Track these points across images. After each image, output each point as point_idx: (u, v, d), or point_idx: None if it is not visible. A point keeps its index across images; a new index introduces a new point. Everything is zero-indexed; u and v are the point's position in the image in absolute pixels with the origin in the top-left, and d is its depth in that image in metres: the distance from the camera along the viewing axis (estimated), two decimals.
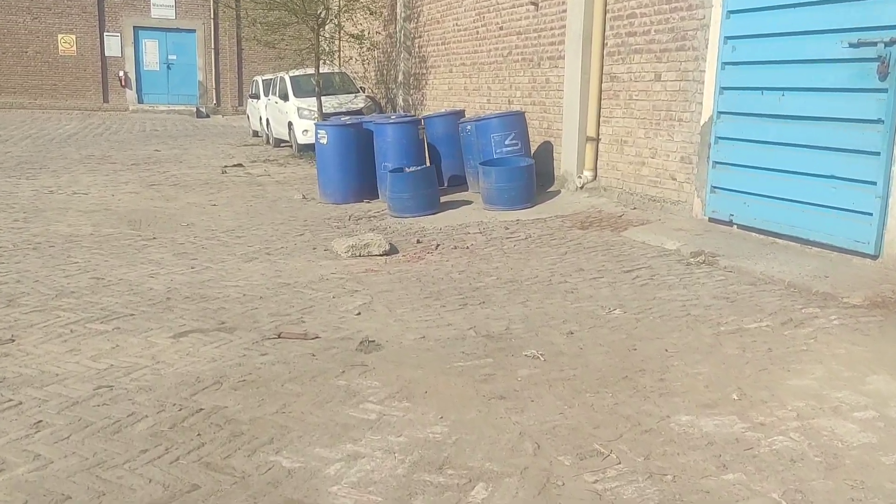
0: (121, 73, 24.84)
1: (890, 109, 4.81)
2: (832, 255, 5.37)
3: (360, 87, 15.82)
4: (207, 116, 24.61)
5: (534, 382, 3.68)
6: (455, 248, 6.62)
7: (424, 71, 13.44)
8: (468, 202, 8.74)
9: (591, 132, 8.30)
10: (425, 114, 11.49)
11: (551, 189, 8.93)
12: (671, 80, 7.07)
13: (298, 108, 14.17)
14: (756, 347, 3.96)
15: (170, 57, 25.50)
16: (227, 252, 6.65)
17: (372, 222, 7.96)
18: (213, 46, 25.25)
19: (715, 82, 6.38)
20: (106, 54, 24.64)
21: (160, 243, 6.96)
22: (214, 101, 25.55)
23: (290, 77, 15.07)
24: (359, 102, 14.58)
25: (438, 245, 6.74)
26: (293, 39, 14.73)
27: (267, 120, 16.52)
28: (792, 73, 5.57)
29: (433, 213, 8.15)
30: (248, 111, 19.55)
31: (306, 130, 13.74)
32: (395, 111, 14.92)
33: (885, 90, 4.84)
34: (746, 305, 4.66)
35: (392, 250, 6.54)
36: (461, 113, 10.21)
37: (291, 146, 14.70)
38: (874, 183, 4.95)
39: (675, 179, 7.12)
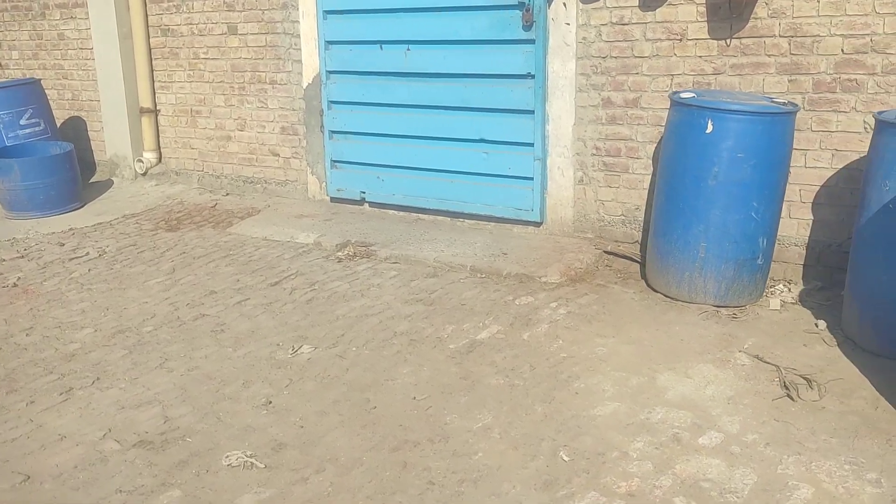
0: None
1: (539, 62, 4.40)
2: (488, 226, 4.89)
3: None
4: None
5: None
6: None
7: None
8: None
9: (145, 102, 6.49)
10: None
11: (96, 180, 6.86)
12: (253, 32, 5.76)
13: None
14: (514, 369, 3.15)
15: None
16: None
17: None
18: None
19: (318, 35, 5.31)
20: None
21: None
22: None
23: None
24: None
25: None
26: None
27: None
28: (418, 23, 4.82)
29: None
30: None
31: None
32: None
33: (531, 41, 4.41)
34: (451, 307, 3.84)
35: None
36: None
37: None
38: (531, 144, 4.55)
39: (277, 155, 5.91)
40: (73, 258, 4.89)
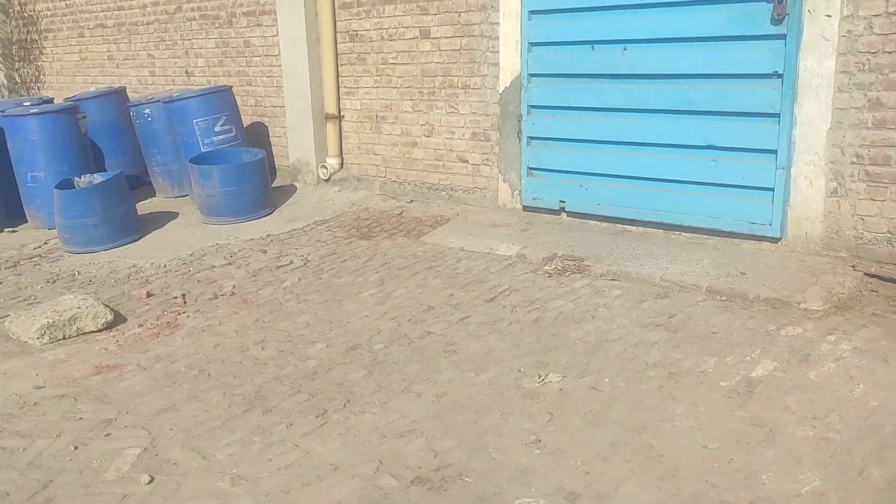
0: None
1: (790, 60, 3.98)
2: (710, 240, 4.52)
3: None
4: None
5: None
6: (215, 297, 4.43)
7: (36, 37, 10.04)
8: (172, 214, 6.35)
9: (330, 108, 6.50)
10: (67, 95, 8.35)
11: (278, 184, 6.95)
12: (447, 36, 5.61)
13: None
14: (817, 417, 2.76)
15: None
16: None
17: (42, 268, 5.20)
18: None
19: (520, 37, 5.09)
20: None
21: None
22: None
23: None
24: None
25: (185, 296, 4.46)
26: None
27: None
28: (639, 21, 4.50)
29: (135, 240, 5.65)
30: None
31: None
32: None
33: (781, 36, 4.00)
34: (701, 335, 3.51)
35: (117, 319, 4.13)
36: (123, 92, 7.50)
37: None
38: (773, 151, 4.14)
39: (466, 162, 5.75)
40: (279, 266, 4.89)
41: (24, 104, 6.67)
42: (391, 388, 3.23)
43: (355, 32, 6.21)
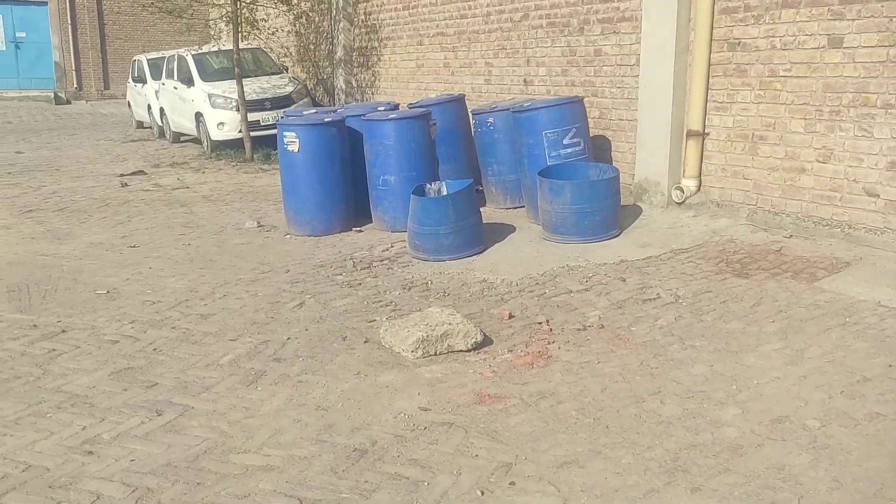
0: None
1: None
2: None
3: (283, 67, 12.68)
4: (68, 102, 20.20)
5: None
6: (582, 328, 3.95)
7: (377, 44, 10.58)
8: (509, 227, 6.07)
9: (693, 124, 5.80)
10: (410, 101, 8.58)
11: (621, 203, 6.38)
12: (868, 45, 4.65)
13: (210, 96, 10.93)
14: None
15: (18, 34, 20.85)
16: (201, 359, 3.72)
17: (395, 272, 5.13)
18: (69, 21, 20.80)
19: None
20: None
21: (74, 343, 3.97)
22: (75, 85, 20.99)
23: (193, 56, 11.73)
24: (287, 87, 11.46)
25: (548, 321, 4.05)
26: (199, 6, 11.48)
27: (161, 109, 13.07)
28: None
29: (479, 252, 5.42)
30: (129, 97, 15.80)
31: (222, 123, 10.73)
32: (332, 96, 11.98)
33: None
34: None
35: (485, 340, 3.81)
36: (462, 99, 7.42)
37: (201, 142, 11.45)
38: None
39: (875, 196, 4.73)
40: (646, 300, 4.31)
41: (379, 109, 6.84)
42: (857, 489, 2.47)
43: (737, 40, 5.45)
